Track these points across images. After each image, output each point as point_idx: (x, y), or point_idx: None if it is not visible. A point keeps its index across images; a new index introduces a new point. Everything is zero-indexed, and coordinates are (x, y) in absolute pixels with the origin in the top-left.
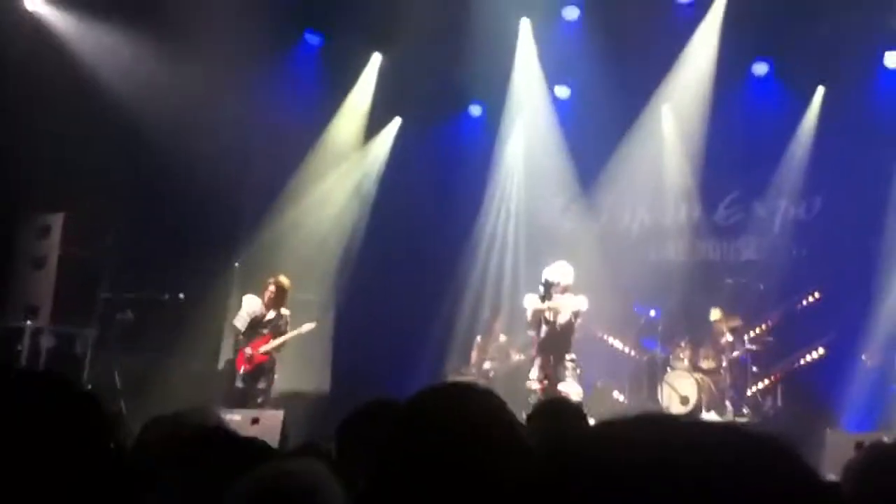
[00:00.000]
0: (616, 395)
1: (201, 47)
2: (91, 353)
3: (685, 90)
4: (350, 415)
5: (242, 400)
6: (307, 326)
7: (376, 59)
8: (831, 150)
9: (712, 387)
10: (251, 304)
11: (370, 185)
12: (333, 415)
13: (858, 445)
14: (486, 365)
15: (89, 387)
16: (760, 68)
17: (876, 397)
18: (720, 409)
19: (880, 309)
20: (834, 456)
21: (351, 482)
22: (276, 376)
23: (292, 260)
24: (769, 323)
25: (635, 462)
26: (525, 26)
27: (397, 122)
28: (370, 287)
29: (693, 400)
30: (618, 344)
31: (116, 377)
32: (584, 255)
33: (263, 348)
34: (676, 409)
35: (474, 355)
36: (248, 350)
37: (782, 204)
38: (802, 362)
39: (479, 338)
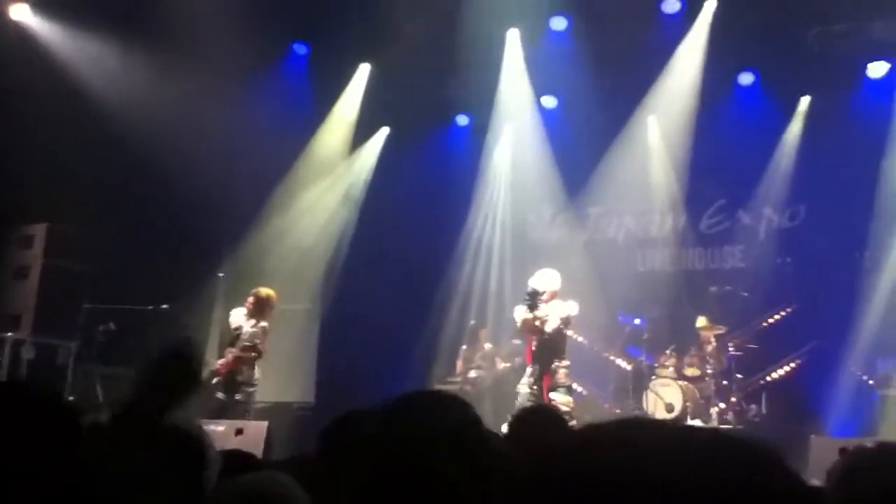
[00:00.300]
0: (601, 402)
1: (189, 57)
2: (73, 364)
3: (672, 100)
4: (329, 424)
5: (222, 411)
6: None
7: (364, 69)
8: (816, 160)
9: (697, 394)
10: (234, 317)
11: (357, 195)
12: (318, 425)
13: (842, 451)
14: (472, 373)
15: (71, 398)
16: (746, 78)
17: (860, 403)
18: (705, 417)
19: (864, 316)
20: (818, 461)
21: (333, 491)
22: (252, 389)
23: (278, 270)
24: (754, 330)
25: (619, 468)
26: (513, 37)
27: (384, 132)
28: (356, 297)
29: (678, 407)
30: (603, 352)
31: (98, 389)
32: (570, 264)
33: (222, 361)
34: (661, 416)
35: (460, 364)
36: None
37: (767, 212)
38: (787, 369)
39: (464, 346)
